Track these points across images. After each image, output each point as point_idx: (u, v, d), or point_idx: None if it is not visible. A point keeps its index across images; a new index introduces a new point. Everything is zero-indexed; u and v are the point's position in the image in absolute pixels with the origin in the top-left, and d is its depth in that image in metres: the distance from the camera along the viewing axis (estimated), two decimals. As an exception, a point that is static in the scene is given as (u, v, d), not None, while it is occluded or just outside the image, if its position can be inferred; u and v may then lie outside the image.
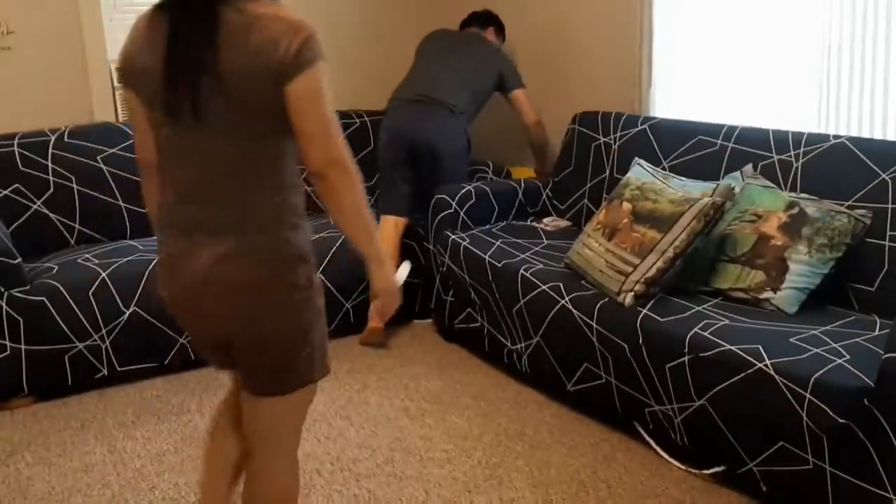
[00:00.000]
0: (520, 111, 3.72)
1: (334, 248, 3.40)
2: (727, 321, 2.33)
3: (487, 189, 3.51)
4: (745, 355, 2.14)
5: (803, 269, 2.43)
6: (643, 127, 3.27)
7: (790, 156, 2.75)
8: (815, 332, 2.24)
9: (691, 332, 2.29)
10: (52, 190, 3.40)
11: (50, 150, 3.43)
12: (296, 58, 1.50)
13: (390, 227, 3.48)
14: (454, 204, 3.39)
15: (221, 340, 1.65)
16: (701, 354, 2.24)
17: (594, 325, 2.56)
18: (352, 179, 1.59)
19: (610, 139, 3.40)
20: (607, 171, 3.37)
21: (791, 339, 2.19)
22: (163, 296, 1.67)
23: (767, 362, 2.10)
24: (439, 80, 3.55)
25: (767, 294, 2.44)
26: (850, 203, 2.53)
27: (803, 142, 2.74)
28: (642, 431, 2.59)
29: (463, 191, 3.43)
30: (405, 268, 1.92)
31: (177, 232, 1.62)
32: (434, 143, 3.47)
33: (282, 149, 1.59)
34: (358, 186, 1.60)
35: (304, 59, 1.51)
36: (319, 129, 1.55)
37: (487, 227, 3.43)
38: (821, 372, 2.01)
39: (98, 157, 3.51)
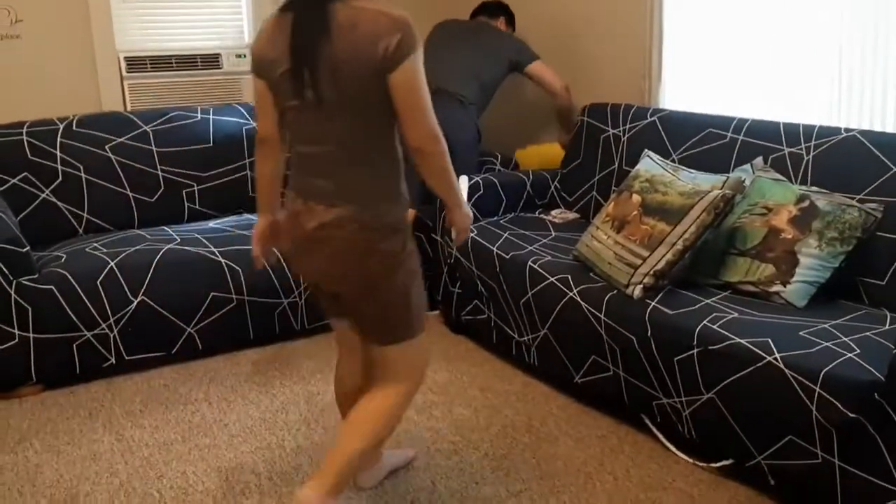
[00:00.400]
0: (542, 82, 3.66)
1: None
2: (736, 314, 2.32)
3: (495, 180, 3.50)
4: (754, 349, 2.14)
5: (813, 262, 2.41)
6: (653, 119, 3.26)
7: (801, 149, 2.73)
8: (824, 325, 2.23)
9: (700, 325, 2.28)
10: (60, 179, 3.40)
11: (58, 139, 3.43)
12: (395, 53, 1.75)
13: None
14: (462, 195, 3.38)
15: (331, 293, 2.01)
16: (710, 347, 2.24)
17: (602, 318, 2.56)
18: (442, 148, 1.88)
19: (619, 131, 3.38)
20: (616, 164, 3.36)
21: (801, 333, 2.18)
22: (286, 248, 2.03)
23: (777, 356, 2.09)
24: (448, 71, 3.53)
25: (777, 287, 2.43)
26: (860, 196, 2.52)
27: (814, 135, 2.72)
28: (650, 424, 2.58)
29: (471, 182, 3.41)
30: (463, 182, 2.33)
31: (298, 195, 1.93)
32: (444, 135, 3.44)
33: (385, 130, 1.88)
34: (445, 152, 1.89)
35: (401, 53, 1.76)
36: (417, 112, 1.82)
37: (495, 218, 3.42)
38: (831, 366, 2.00)
39: (106, 147, 3.51)
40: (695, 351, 2.27)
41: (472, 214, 2.12)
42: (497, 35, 3.75)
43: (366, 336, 2.03)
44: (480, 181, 3.44)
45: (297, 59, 1.80)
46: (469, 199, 2.40)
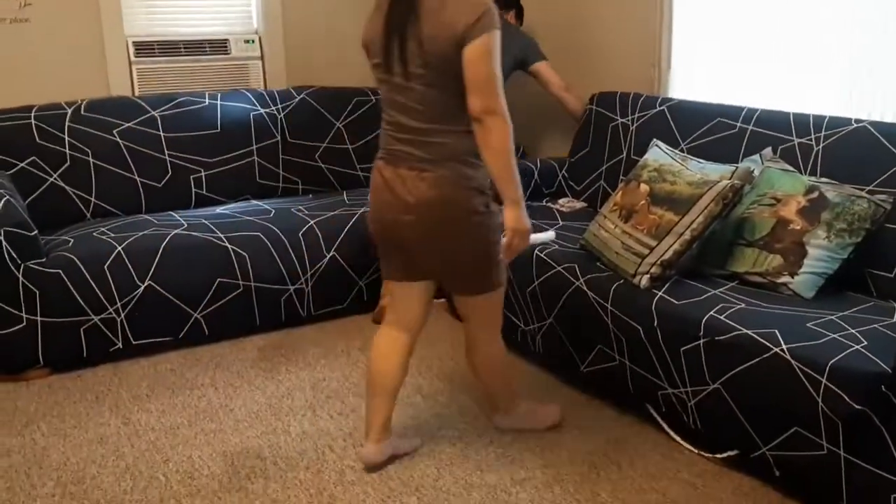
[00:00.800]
0: (545, 82, 3.63)
1: (347, 227, 3.40)
2: (743, 305, 2.31)
3: (503, 169, 3.48)
4: (761, 340, 2.13)
5: (822, 253, 2.40)
6: (661, 108, 3.24)
7: (811, 139, 2.71)
8: (832, 317, 2.22)
9: (707, 316, 2.28)
10: (68, 163, 3.41)
11: (66, 124, 3.44)
12: (471, 30, 1.96)
13: None
14: (469, 183, 3.37)
15: (413, 251, 2.20)
16: (716, 338, 2.23)
17: (609, 307, 2.55)
18: (503, 126, 2.02)
19: (627, 120, 3.37)
20: (624, 153, 3.35)
21: (808, 325, 2.17)
22: (372, 212, 2.25)
23: (783, 347, 2.08)
24: None
25: (785, 278, 2.42)
26: (870, 188, 2.50)
27: (824, 125, 2.71)
28: (655, 414, 2.58)
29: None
30: (548, 234, 2.55)
31: (387, 163, 2.16)
32: None
33: (464, 102, 2.03)
34: (507, 134, 2.03)
35: (477, 31, 1.96)
36: (483, 84, 1.99)
37: (503, 207, 3.40)
38: (837, 358, 2.00)
39: (114, 131, 3.51)
40: (701, 341, 2.27)
41: (530, 226, 2.18)
42: (505, 30, 3.73)
43: (450, 287, 2.33)
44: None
45: (389, 36, 2.05)
46: (543, 249, 2.63)
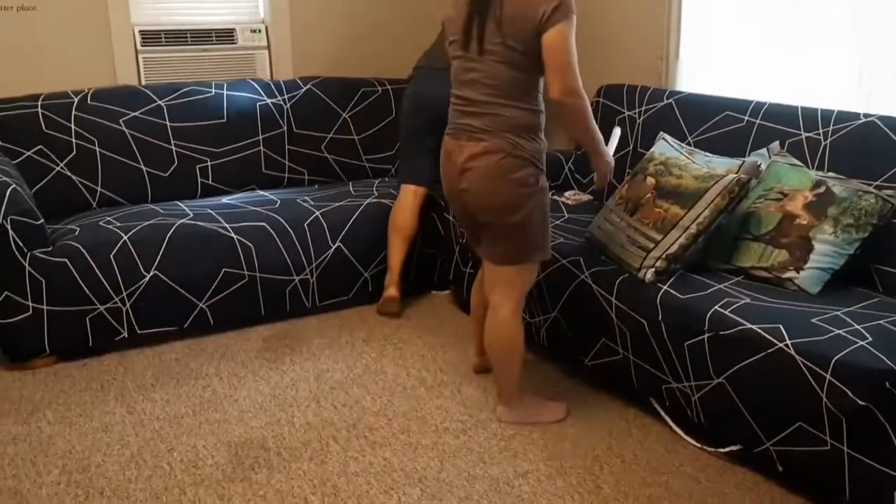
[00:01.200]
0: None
1: (353, 218, 3.40)
2: (748, 300, 2.30)
3: (509, 161, 3.47)
4: (765, 334, 2.13)
5: (828, 248, 2.40)
6: (669, 101, 3.23)
7: (818, 133, 2.70)
8: (837, 313, 2.22)
9: (712, 310, 2.27)
10: (74, 152, 3.41)
11: (73, 113, 3.44)
12: (550, 17, 2.17)
13: (409, 196, 3.45)
14: (475, 175, 3.36)
15: (472, 217, 2.41)
16: (721, 332, 2.23)
17: (613, 301, 2.55)
18: (582, 104, 2.27)
19: (634, 113, 3.35)
20: (631, 146, 3.34)
21: (813, 320, 2.17)
22: (443, 185, 2.48)
23: (788, 342, 2.08)
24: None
25: (790, 273, 2.41)
26: (878, 183, 2.49)
27: (833, 119, 2.69)
28: (658, 408, 2.58)
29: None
30: (616, 134, 2.68)
31: (451, 137, 2.39)
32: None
33: (532, 81, 2.29)
34: (586, 109, 2.29)
35: (555, 18, 2.17)
36: (561, 69, 2.21)
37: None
38: (842, 353, 1.99)
39: (120, 120, 3.51)
40: (705, 336, 2.27)
41: (613, 162, 2.47)
42: None
43: (488, 256, 2.45)
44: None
45: (471, 15, 2.26)
46: (616, 151, 2.74)
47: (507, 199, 2.32)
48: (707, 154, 2.78)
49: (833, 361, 1.98)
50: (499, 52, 2.25)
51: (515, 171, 2.29)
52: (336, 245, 3.36)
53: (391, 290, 3.41)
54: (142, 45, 3.84)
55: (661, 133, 2.93)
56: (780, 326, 2.13)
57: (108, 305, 2.99)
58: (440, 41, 3.58)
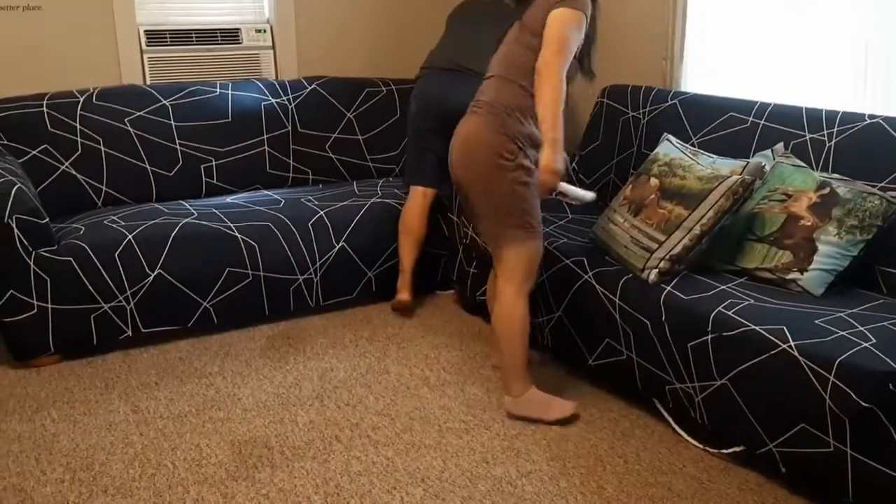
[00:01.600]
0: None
1: (357, 217, 3.40)
2: (752, 301, 2.30)
3: (513, 161, 3.47)
4: (769, 336, 2.12)
5: (832, 250, 2.39)
6: (673, 102, 3.23)
7: (823, 135, 2.70)
8: (841, 314, 2.21)
9: (715, 311, 2.27)
10: (79, 151, 3.42)
11: (78, 112, 3.45)
12: (559, 2, 2.37)
13: (419, 198, 3.45)
14: (479, 175, 3.36)
15: (464, 194, 2.55)
16: (724, 334, 2.23)
17: (617, 301, 2.55)
18: (556, 84, 2.32)
19: (639, 113, 3.35)
20: (635, 146, 3.33)
21: (816, 321, 2.17)
22: None
23: (792, 343, 2.08)
24: (469, 49, 3.48)
25: (794, 275, 2.41)
26: (883, 184, 2.48)
27: (837, 121, 2.69)
28: (661, 409, 2.58)
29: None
30: (589, 194, 2.54)
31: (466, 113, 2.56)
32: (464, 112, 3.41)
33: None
34: (557, 90, 2.32)
35: (566, 3, 2.36)
36: (551, 41, 2.33)
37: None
38: (846, 355, 1.99)
39: (126, 120, 3.52)
40: (709, 337, 2.27)
41: (561, 167, 2.37)
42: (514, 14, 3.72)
43: (481, 234, 2.62)
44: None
45: None
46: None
47: (484, 170, 2.41)
48: (711, 155, 2.78)
49: (836, 363, 1.98)
50: (516, 32, 2.48)
51: (494, 139, 2.40)
52: (340, 245, 3.37)
53: (404, 294, 3.41)
54: (147, 45, 3.85)
55: (666, 134, 2.93)
56: (784, 328, 2.13)
57: (112, 304, 3.00)
58: (445, 40, 3.59)
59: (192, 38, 3.93)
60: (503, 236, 2.47)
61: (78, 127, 3.43)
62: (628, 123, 3.39)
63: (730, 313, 2.25)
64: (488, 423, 2.59)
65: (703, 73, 3.39)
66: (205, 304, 3.16)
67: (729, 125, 2.98)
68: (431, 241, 3.55)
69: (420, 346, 3.16)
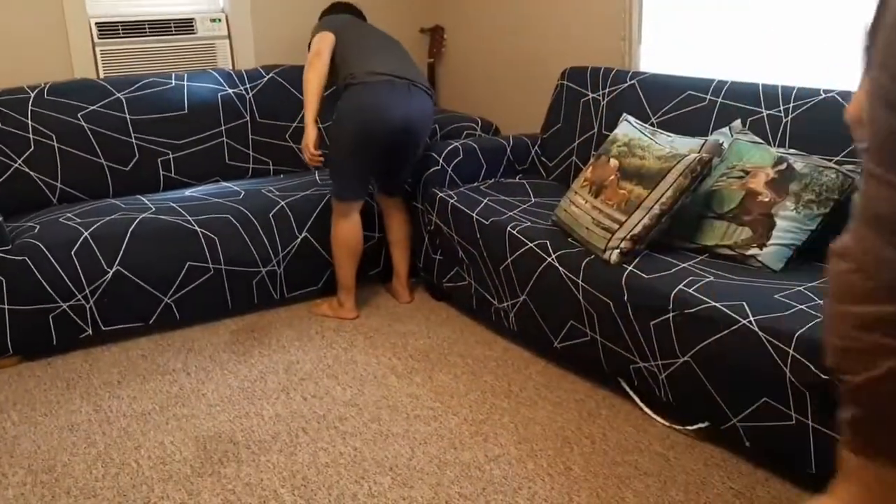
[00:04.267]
0: None
1: (319, 207, 3.37)
2: (712, 278, 2.32)
3: (475, 146, 3.46)
4: (729, 312, 2.14)
5: (790, 225, 2.41)
6: (632, 82, 3.23)
7: (779, 111, 2.72)
8: (799, 288, 2.23)
9: (676, 289, 2.28)
10: (32, 148, 3.35)
11: (30, 108, 3.37)
12: None
13: (357, 214, 3.23)
14: (441, 161, 3.35)
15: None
16: (685, 311, 2.24)
17: (580, 283, 2.55)
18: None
19: (598, 95, 3.35)
20: (596, 128, 3.34)
21: (776, 296, 2.18)
22: None
23: (751, 319, 2.09)
24: (402, 61, 3.21)
25: (753, 251, 2.43)
26: (838, 158, 2.51)
27: (793, 96, 2.71)
28: (627, 388, 2.59)
29: (450, 147, 3.39)
30: None
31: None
32: (421, 128, 3.17)
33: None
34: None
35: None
36: None
37: (476, 184, 3.40)
38: (805, 328, 2.01)
39: (79, 115, 3.45)
40: (671, 315, 2.28)
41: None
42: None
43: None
44: (460, 146, 3.41)
45: None
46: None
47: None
48: (670, 134, 2.78)
49: (795, 336, 2.00)
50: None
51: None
52: (303, 235, 3.34)
53: (354, 311, 3.32)
54: (99, 38, 3.77)
55: (625, 114, 2.93)
56: (744, 303, 2.14)
57: (70, 303, 2.94)
58: (372, 49, 3.22)
59: (145, 29, 3.86)
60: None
61: (30, 123, 3.36)
62: (588, 105, 3.39)
63: (690, 290, 2.26)
64: (456, 409, 2.59)
65: (661, 53, 3.39)
66: (166, 299, 3.11)
67: (687, 104, 2.99)
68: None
69: (387, 335, 3.14)
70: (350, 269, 3.28)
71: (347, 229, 3.21)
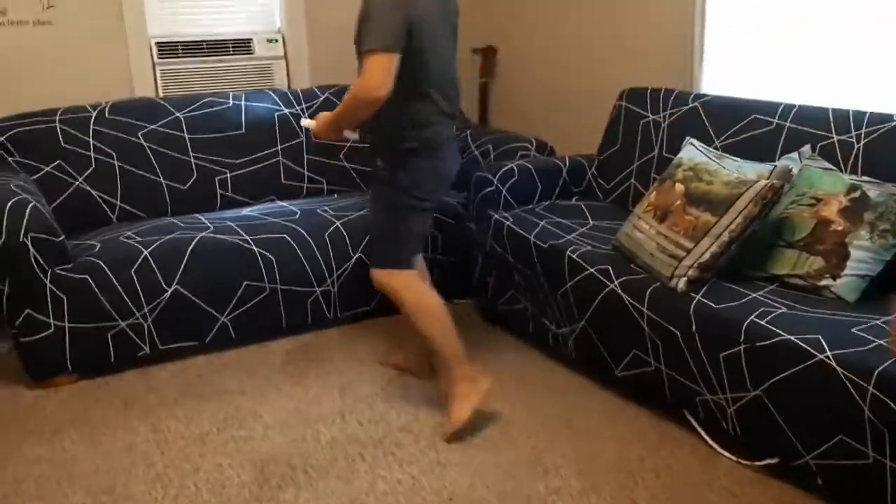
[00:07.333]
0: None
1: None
2: (784, 309, 2.24)
3: (530, 167, 3.42)
4: (804, 346, 2.07)
5: (865, 255, 2.33)
6: (694, 104, 3.17)
7: (851, 136, 2.64)
8: (877, 322, 2.15)
9: (748, 321, 2.21)
10: (93, 166, 3.39)
11: (91, 127, 3.42)
12: None
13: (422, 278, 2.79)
14: (496, 181, 3.31)
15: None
16: (758, 344, 2.17)
17: (645, 311, 2.49)
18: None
19: (659, 117, 3.29)
20: (656, 151, 3.28)
21: (853, 330, 2.11)
22: None
23: (829, 353, 2.02)
24: (455, 82, 2.66)
25: (827, 281, 2.35)
26: (915, 186, 2.42)
27: (865, 122, 2.63)
28: (693, 420, 2.52)
29: (505, 168, 3.35)
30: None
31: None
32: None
33: None
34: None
35: None
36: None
37: (531, 206, 3.35)
38: (885, 365, 1.93)
39: (139, 134, 3.49)
40: (741, 347, 2.21)
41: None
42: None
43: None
44: (515, 167, 3.37)
45: None
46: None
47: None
48: (736, 159, 2.72)
49: (876, 373, 1.92)
50: None
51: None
52: (357, 255, 3.32)
53: (482, 373, 2.65)
54: (159, 57, 3.82)
55: (688, 138, 2.87)
56: (819, 337, 2.07)
57: (129, 321, 2.96)
58: (432, 67, 2.51)
59: (203, 49, 3.90)
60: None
61: (91, 142, 3.40)
62: (648, 127, 3.33)
63: (763, 322, 2.19)
64: (514, 438, 2.54)
65: (724, 74, 3.32)
66: (222, 318, 3.12)
67: (753, 127, 2.92)
68: (448, 249, 3.50)
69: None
70: (450, 334, 2.62)
71: (427, 295, 2.64)
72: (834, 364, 2.00)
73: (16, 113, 3.37)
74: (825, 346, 2.04)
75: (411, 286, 2.63)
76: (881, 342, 2.03)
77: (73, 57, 3.65)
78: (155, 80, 3.82)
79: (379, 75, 2.32)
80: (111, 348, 2.96)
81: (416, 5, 2.38)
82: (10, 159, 3.29)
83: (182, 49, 3.86)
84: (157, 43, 3.81)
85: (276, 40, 4.04)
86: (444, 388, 2.65)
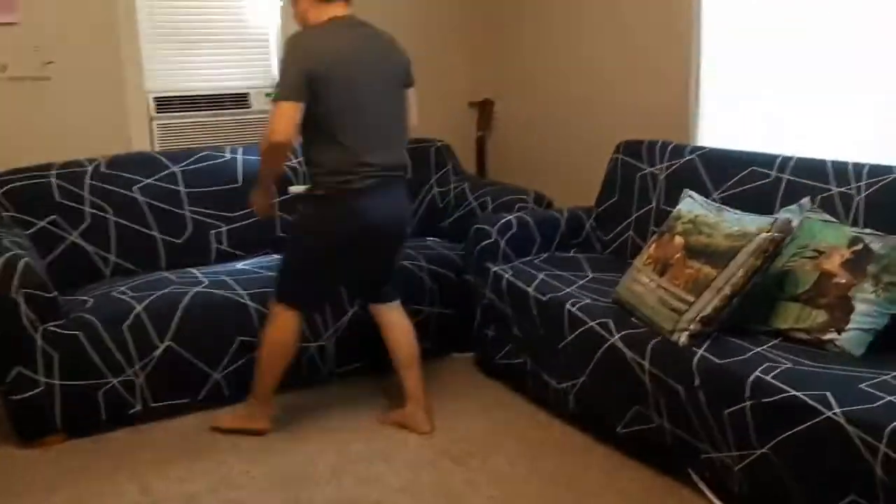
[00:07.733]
0: (411, 110, 2.89)
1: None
2: (790, 364, 2.20)
3: (529, 219, 3.40)
4: (812, 402, 2.01)
5: (869, 308, 2.30)
6: (691, 157, 3.17)
7: (851, 188, 2.62)
8: (886, 377, 2.11)
9: (752, 376, 2.16)
10: (88, 221, 3.36)
11: (87, 181, 3.40)
12: None
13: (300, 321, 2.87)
14: (494, 233, 3.28)
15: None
16: (763, 400, 2.12)
17: (646, 365, 2.45)
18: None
19: (656, 169, 3.29)
20: (654, 203, 3.26)
21: (861, 386, 2.06)
22: None
23: (837, 410, 1.97)
24: (390, 133, 2.74)
25: (831, 335, 2.31)
26: (918, 238, 2.40)
27: (865, 173, 2.62)
28: (697, 479, 2.45)
29: (503, 220, 3.33)
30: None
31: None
32: (408, 219, 2.94)
33: None
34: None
35: None
36: None
37: (529, 258, 3.32)
38: (896, 422, 1.88)
39: (134, 188, 3.47)
40: (747, 403, 2.15)
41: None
42: (398, 49, 2.82)
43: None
44: (514, 219, 3.35)
45: None
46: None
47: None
48: (735, 211, 2.70)
49: (887, 430, 1.87)
50: None
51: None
52: (353, 310, 3.28)
53: (268, 421, 2.92)
54: (156, 112, 3.82)
55: (686, 190, 2.86)
56: (827, 393, 2.02)
57: (121, 378, 2.90)
58: (359, 120, 2.63)
59: (200, 103, 3.91)
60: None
61: (86, 196, 3.38)
62: (645, 179, 3.33)
63: (768, 378, 2.14)
64: (514, 499, 2.46)
65: (721, 127, 3.33)
66: (215, 375, 3.06)
67: (751, 180, 2.91)
68: (445, 301, 3.46)
69: (439, 414, 3.03)
70: (278, 378, 2.86)
71: (291, 334, 2.81)
72: (843, 421, 1.95)
73: (12, 168, 3.35)
74: (833, 402, 1.99)
75: (281, 325, 2.80)
76: (891, 398, 1.97)
77: (71, 112, 3.65)
78: (151, 134, 3.82)
79: (276, 122, 2.53)
80: (102, 406, 2.89)
81: (323, 60, 2.55)
82: (4, 214, 3.26)
83: (179, 103, 3.86)
84: (155, 97, 3.82)
85: (273, 94, 4.04)
86: (395, 418, 2.95)
